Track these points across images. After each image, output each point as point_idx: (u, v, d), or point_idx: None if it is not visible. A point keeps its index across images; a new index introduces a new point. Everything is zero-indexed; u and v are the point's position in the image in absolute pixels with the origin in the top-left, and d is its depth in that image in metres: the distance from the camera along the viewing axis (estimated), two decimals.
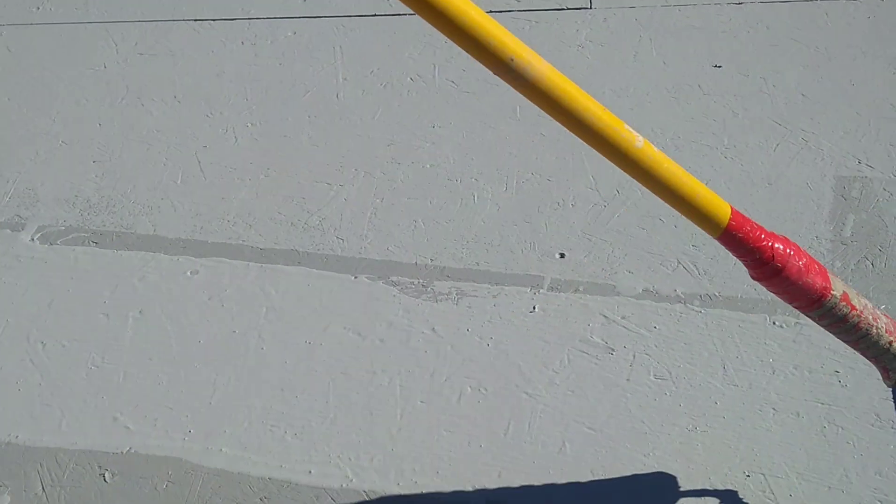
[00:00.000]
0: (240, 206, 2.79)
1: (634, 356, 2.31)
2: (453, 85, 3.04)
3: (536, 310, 2.43)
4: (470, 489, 2.13)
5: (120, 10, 3.53)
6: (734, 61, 2.96)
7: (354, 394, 2.33)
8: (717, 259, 2.46)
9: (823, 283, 1.56)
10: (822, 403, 2.17)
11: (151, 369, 2.43)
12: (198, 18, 3.46)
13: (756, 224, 1.51)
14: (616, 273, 2.48)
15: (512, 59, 1.22)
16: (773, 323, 2.32)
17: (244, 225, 2.74)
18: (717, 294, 2.39)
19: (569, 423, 2.22)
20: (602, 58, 3.04)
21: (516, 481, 2.13)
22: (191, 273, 2.64)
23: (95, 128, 3.11)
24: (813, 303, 1.58)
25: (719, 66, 2.95)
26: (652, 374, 2.27)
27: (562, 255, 2.54)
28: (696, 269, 2.45)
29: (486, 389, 2.30)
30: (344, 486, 2.17)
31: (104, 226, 2.79)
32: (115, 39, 3.43)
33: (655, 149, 1.39)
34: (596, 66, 3.02)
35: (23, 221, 2.84)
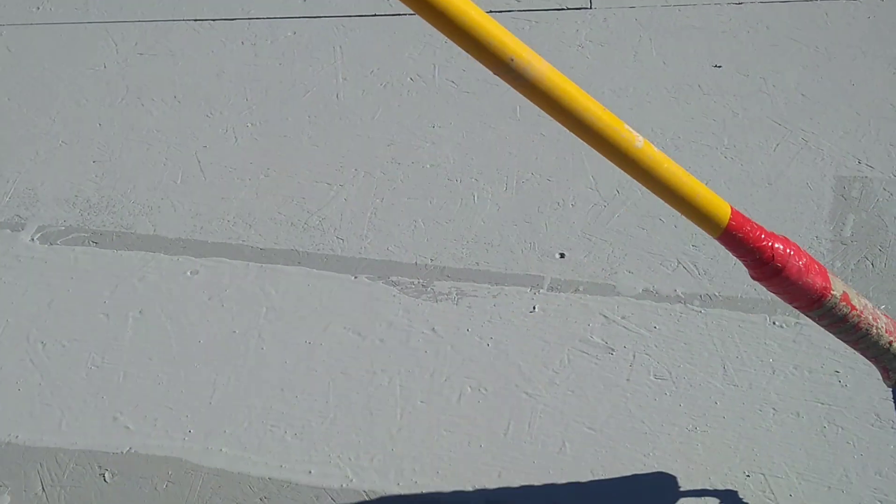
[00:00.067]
0: (240, 206, 2.79)
1: (634, 356, 2.31)
2: (453, 85, 3.04)
3: (536, 310, 2.43)
4: (470, 489, 2.13)
5: (120, 10, 3.53)
6: (734, 61, 2.96)
7: (354, 394, 2.33)
8: (717, 259, 2.46)
9: (823, 283, 1.56)
10: (822, 403, 2.17)
11: (151, 369, 2.43)
12: (198, 18, 3.46)
13: (756, 224, 1.51)
14: (616, 273, 2.48)
15: (512, 59, 1.22)
16: (773, 323, 2.32)
17: (244, 225, 2.74)
18: (717, 294, 2.39)
19: (569, 422, 2.22)
20: (602, 58, 3.04)
21: (516, 481, 2.13)
22: (191, 273, 2.64)
23: (95, 128, 3.11)
24: (813, 303, 1.58)
25: (719, 66, 2.95)
26: (652, 374, 2.27)
27: (562, 255, 2.54)
28: (696, 269, 2.45)
29: (486, 389, 2.30)
30: (344, 486, 2.17)
31: (104, 226, 2.79)
32: (115, 39, 3.43)
33: (655, 149, 1.39)
34: (596, 66, 3.02)
35: (23, 221, 2.84)
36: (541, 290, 2.47)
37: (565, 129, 1.33)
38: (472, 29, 1.19)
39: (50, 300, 2.62)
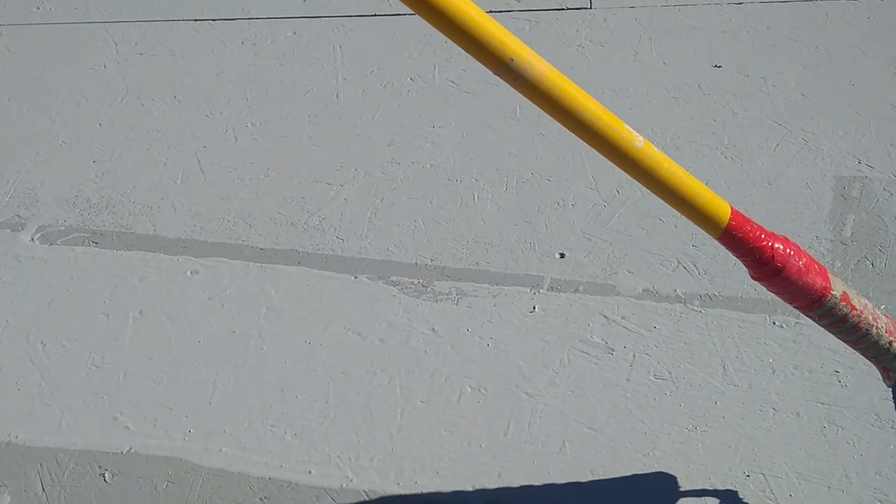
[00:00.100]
0: (240, 206, 2.79)
1: (634, 356, 2.31)
2: (453, 85, 3.04)
3: (536, 310, 2.43)
4: (470, 489, 2.13)
5: (120, 10, 3.53)
6: (734, 61, 2.96)
7: (354, 394, 2.33)
8: (717, 259, 2.46)
9: (823, 283, 1.56)
10: (822, 403, 2.17)
11: (151, 369, 2.43)
12: (198, 18, 3.46)
13: (756, 224, 1.51)
14: (616, 273, 2.48)
15: (512, 60, 1.22)
16: (773, 323, 2.32)
17: (244, 225, 2.74)
18: (717, 294, 2.39)
19: (569, 422, 2.22)
20: (602, 58, 3.04)
21: (516, 481, 2.13)
22: (191, 273, 2.64)
23: (95, 128, 3.11)
24: (813, 303, 1.58)
25: (719, 66, 2.95)
26: (652, 373, 2.27)
27: (562, 255, 2.54)
28: (696, 269, 2.45)
29: (486, 389, 2.30)
30: (344, 486, 2.17)
31: (104, 226, 2.79)
32: (114, 39, 3.43)
33: (655, 149, 1.39)
34: (596, 66, 3.02)
35: (23, 221, 2.84)
36: (541, 290, 2.47)
37: (565, 129, 1.33)
38: (471, 29, 1.19)
39: (50, 300, 2.62)
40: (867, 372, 2.20)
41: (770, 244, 1.51)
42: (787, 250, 1.52)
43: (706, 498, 2.07)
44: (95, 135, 3.08)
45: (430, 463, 2.19)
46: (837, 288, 1.58)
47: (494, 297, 2.48)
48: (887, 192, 2.54)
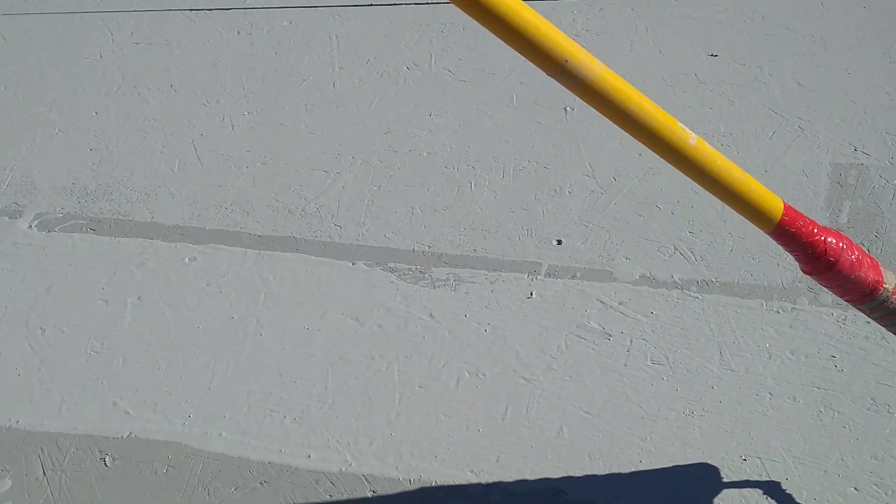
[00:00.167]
0: (237, 193, 2.80)
1: (631, 341, 2.32)
2: (449, 74, 3.05)
3: (534, 296, 2.44)
4: (468, 473, 2.14)
5: None
6: (730, 50, 2.97)
7: (353, 379, 2.33)
8: (713, 245, 2.47)
9: (876, 277, 1.55)
10: (819, 388, 2.19)
11: (150, 355, 2.44)
12: (193, 8, 3.46)
13: (808, 218, 1.50)
14: (613, 259, 2.49)
15: (567, 61, 1.22)
16: (770, 308, 2.33)
17: (241, 212, 2.74)
18: (713, 280, 2.41)
19: (566, 407, 2.23)
20: (598, 47, 3.05)
21: (514, 465, 2.14)
22: (189, 260, 2.64)
23: (92, 116, 3.11)
24: (865, 297, 1.57)
25: (715, 56, 2.96)
26: (649, 359, 2.28)
27: (559, 242, 2.55)
28: (693, 255, 2.46)
29: (483, 375, 2.31)
30: (343, 470, 2.18)
31: (102, 213, 2.79)
32: (110, 29, 3.43)
33: (708, 145, 1.38)
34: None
35: (20, 209, 2.84)
36: (538, 277, 2.48)
37: (619, 127, 1.33)
38: (526, 31, 1.18)
39: (48, 286, 2.62)
40: (863, 357, 2.22)
41: (823, 238, 1.50)
42: (840, 244, 1.51)
43: (702, 481, 2.08)
44: (92, 123, 3.09)
45: (428, 447, 2.20)
46: (890, 281, 1.57)
47: (492, 283, 2.48)
48: (883, 179, 2.55)
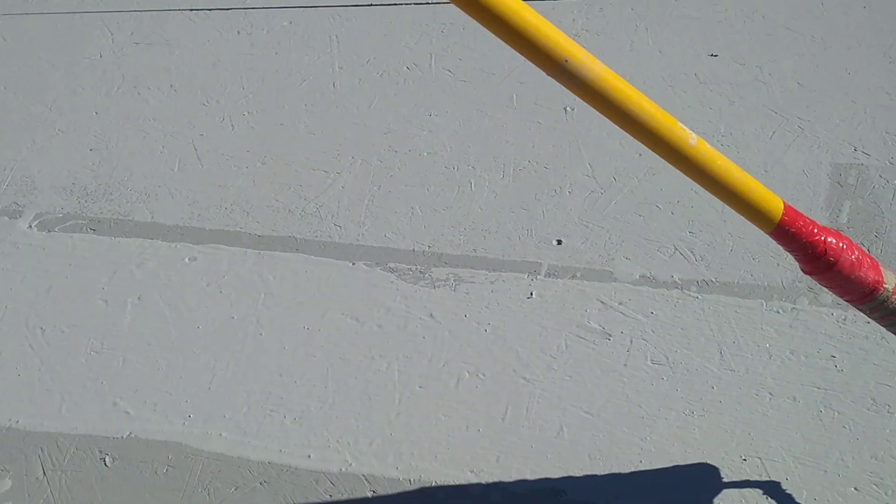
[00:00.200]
0: (237, 193, 2.80)
1: (631, 341, 2.32)
2: (449, 74, 3.05)
3: (534, 296, 2.44)
4: (468, 473, 2.14)
5: None
6: (730, 50, 2.97)
7: (353, 379, 2.33)
8: (713, 245, 2.47)
9: (876, 277, 1.55)
10: (819, 388, 2.19)
11: (150, 355, 2.44)
12: (193, 8, 3.46)
13: (808, 219, 1.50)
14: (613, 259, 2.49)
15: (567, 61, 1.22)
16: (770, 308, 2.33)
17: (241, 212, 2.74)
18: (713, 280, 2.41)
19: (566, 407, 2.23)
20: (598, 47, 3.05)
21: (514, 466, 2.14)
22: (189, 260, 2.64)
23: (92, 116, 3.11)
24: (865, 297, 1.57)
25: (715, 56, 2.96)
26: (649, 359, 2.28)
27: (559, 242, 2.55)
28: (693, 255, 2.46)
29: (483, 375, 2.31)
30: (343, 470, 2.18)
31: (102, 213, 2.79)
32: (110, 29, 3.43)
33: (708, 145, 1.38)
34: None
35: (20, 209, 2.84)
36: (538, 277, 2.48)
37: (621, 127, 1.32)
38: (526, 31, 1.18)
39: (48, 286, 2.62)
40: (863, 357, 2.22)
41: (823, 238, 1.50)
42: (840, 244, 1.51)
43: (702, 481, 2.08)
44: (92, 123, 3.09)
45: (428, 448, 2.20)
46: (890, 281, 1.57)
47: (492, 283, 2.48)
48: (883, 179, 2.55)
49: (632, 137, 1.36)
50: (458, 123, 2.90)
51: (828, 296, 2.33)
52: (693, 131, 1.37)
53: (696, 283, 2.41)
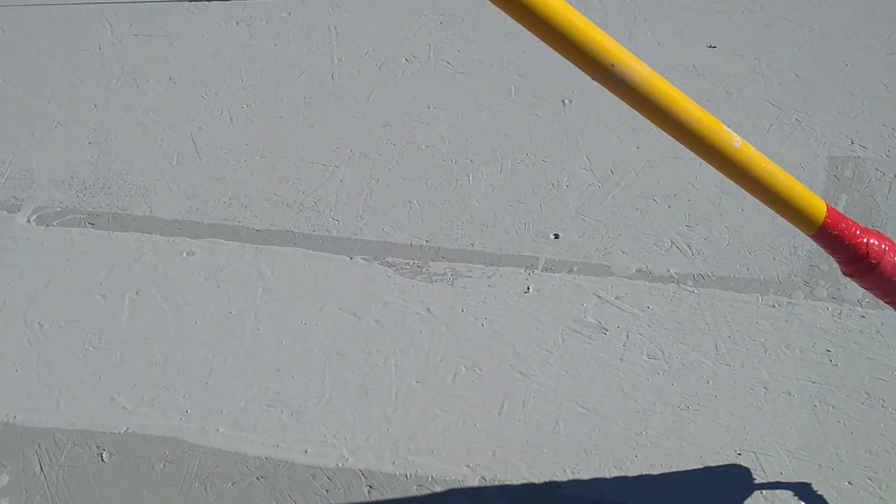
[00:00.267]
0: (235, 187, 2.80)
1: (628, 336, 2.33)
2: (448, 66, 3.05)
3: (531, 290, 2.45)
4: (465, 468, 2.15)
5: None
6: (728, 42, 2.97)
7: (350, 374, 2.34)
8: (710, 239, 2.47)
9: None
10: (814, 382, 2.19)
11: (148, 350, 2.44)
12: None
13: (851, 220, 1.49)
14: (610, 253, 2.50)
15: (613, 65, 1.20)
16: (766, 303, 2.34)
17: (240, 206, 2.75)
18: (709, 274, 2.41)
19: (562, 402, 2.23)
20: None
21: (510, 460, 2.15)
22: (187, 254, 2.65)
23: (91, 109, 3.11)
24: None
25: (714, 47, 2.96)
26: (645, 353, 2.29)
27: (556, 236, 2.55)
28: (690, 249, 2.47)
29: (480, 369, 2.31)
30: (340, 465, 2.19)
31: (100, 207, 2.80)
32: (109, 20, 3.43)
33: (752, 148, 1.36)
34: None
35: (19, 203, 2.85)
36: (535, 271, 2.49)
37: (660, 129, 1.31)
38: (571, 33, 1.16)
39: (47, 281, 2.63)
40: (858, 351, 2.22)
41: (865, 241, 1.49)
42: (882, 246, 1.51)
43: (697, 476, 2.09)
44: (91, 116, 3.09)
45: (425, 442, 2.21)
46: None
47: (489, 277, 2.49)
48: (880, 171, 2.55)
49: (679, 142, 1.33)
50: (457, 116, 2.90)
51: (823, 290, 2.34)
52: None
53: (692, 277, 2.41)
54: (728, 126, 1.34)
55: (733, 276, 2.40)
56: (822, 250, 1.58)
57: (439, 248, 2.57)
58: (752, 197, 1.43)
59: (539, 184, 2.68)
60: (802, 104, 2.75)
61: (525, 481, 2.12)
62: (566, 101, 2.85)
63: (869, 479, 2.04)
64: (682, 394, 2.21)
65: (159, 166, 2.89)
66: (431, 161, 2.79)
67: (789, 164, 2.59)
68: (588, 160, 2.70)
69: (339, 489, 2.15)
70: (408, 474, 2.16)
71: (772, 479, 2.06)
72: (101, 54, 3.30)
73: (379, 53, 3.14)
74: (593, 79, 1.23)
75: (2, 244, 2.73)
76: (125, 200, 2.80)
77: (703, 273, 2.41)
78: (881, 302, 1.83)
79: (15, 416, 2.34)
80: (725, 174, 1.38)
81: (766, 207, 1.44)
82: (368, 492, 2.14)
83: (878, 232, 1.53)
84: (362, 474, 2.16)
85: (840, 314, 2.29)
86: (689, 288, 2.39)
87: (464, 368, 2.32)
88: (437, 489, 2.13)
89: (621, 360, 2.29)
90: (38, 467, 2.24)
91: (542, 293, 2.44)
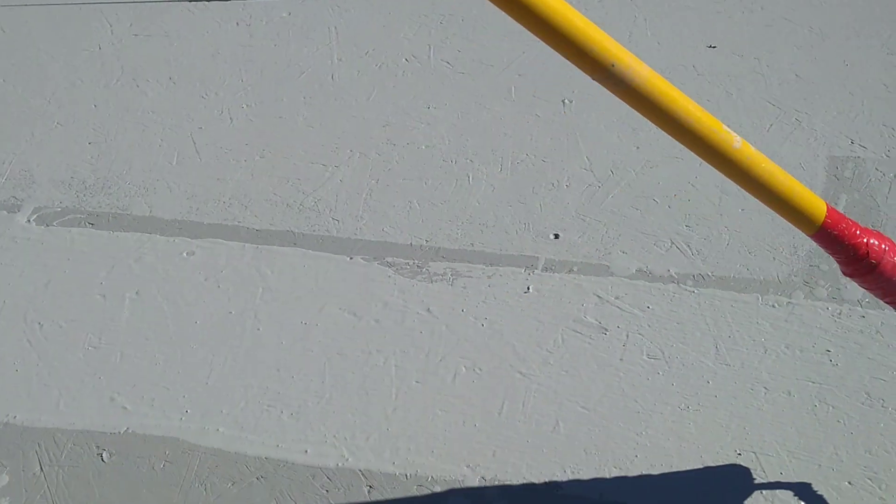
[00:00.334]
0: (235, 187, 2.80)
1: (628, 336, 2.33)
2: (448, 66, 3.05)
3: (531, 290, 2.45)
4: (465, 468, 2.15)
5: None
6: (728, 42, 2.97)
7: (350, 374, 2.34)
8: (710, 239, 2.47)
9: None
10: (813, 382, 2.19)
11: (148, 350, 2.44)
12: None
13: (851, 220, 1.49)
14: (610, 253, 2.50)
15: (613, 65, 1.20)
16: (766, 303, 2.34)
17: (240, 206, 2.75)
18: (709, 274, 2.41)
19: (562, 402, 2.23)
20: None
21: (510, 460, 2.15)
22: (187, 254, 2.65)
23: (91, 109, 3.11)
24: None
25: (714, 47, 2.96)
26: (645, 353, 2.29)
27: (556, 236, 2.55)
28: (690, 249, 2.47)
29: (480, 369, 2.31)
30: (340, 465, 2.19)
31: (100, 207, 2.80)
32: (109, 20, 3.43)
33: (752, 148, 1.36)
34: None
35: (19, 203, 2.85)
36: (535, 271, 2.49)
37: (661, 130, 1.31)
38: (570, 33, 1.16)
39: (47, 281, 2.63)
40: (858, 351, 2.22)
41: (865, 241, 1.49)
42: (882, 246, 1.51)
43: (697, 476, 2.09)
44: (91, 116, 3.09)
45: (425, 442, 2.21)
46: None
47: (489, 277, 2.49)
48: (880, 172, 2.55)
49: (679, 142, 1.33)
50: (457, 116, 2.90)
51: (823, 290, 2.34)
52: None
53: (692, 277, 2.41)
54: (728, 126, 1.34)
55: (733, 276, 2.40)
56: (822, 250, 1.58)
57: (439, 248, 2.57)
58: (752, 197, 1.43)
59: (539, 184, 2.68)
60: (802, 104, 2.75)
61: (525, 481, 2.12)
62: (566, 101, 2.85)
63: (869, 479, 2.04)
64: (682, 394, 2.21)
65: (159, 166, 2.89)
66: (431, 161, 2.79)
67: (789, 164, 2.59)
68: (588, 160, 2.70)
69: (339, 489, 2.15)
70: (408, 474, 2.16)
71: (772, 479, 2.06)
72: (101, 54, 3.30)
73: (379, 53, 3.14)
74: (593, 79, 1.22)
75: (2, 244, 2.73)
76: (125, 200, 2.80)
77: (703, 273, 2.41)
78: (881, 302, 1.83)
79: (15, 416, 2.34)
80: (725, 174, 1.38)
81: (766, 207, 1.44)
82: (368, 492, 2.14)
83: (878, 232, 1.53)
84: (362, 474, 2.17)
85: (840, 314, 2.30)
86: (689, 288, 2.39)
87: (464, 368, 2.32)
88: (437, 489, 2.13)
89: (621, 360, 2.29)
90: (38, 467, 2.24)
91: (542, 293, 2.44)
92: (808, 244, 2.41)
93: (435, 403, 2.27)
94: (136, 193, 2.82)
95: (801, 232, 1.49)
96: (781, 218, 1.48)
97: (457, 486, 2.13)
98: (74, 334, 2.49)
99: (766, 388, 2.19)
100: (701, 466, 2.10)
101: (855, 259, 1.50)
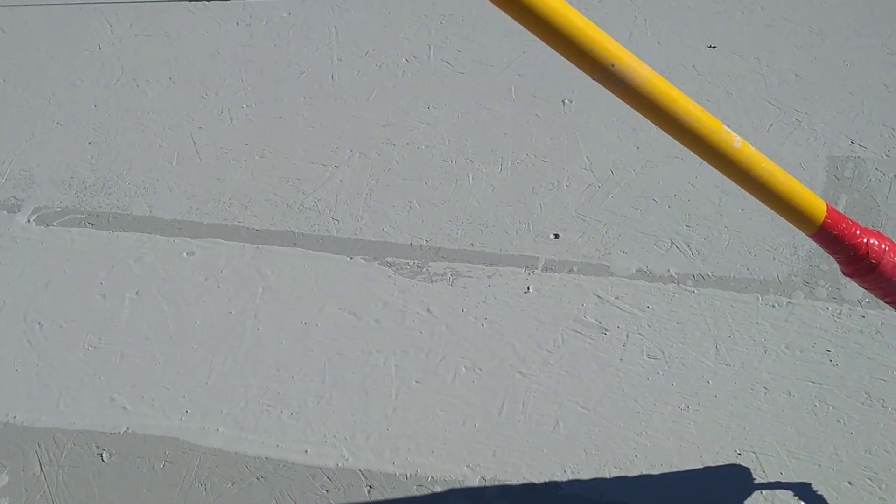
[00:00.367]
0: (235, 187, 2.80)
1: (628, 336, 2.33)
2: (448, 66, 3.05)
3: (531, 290, 2.45)
4: (465, 468, 2.15)
5: None
6: (728, 42, 2.97)
7: (350, 374, 2.34)
8: (710, 239, 2.47)
9: None
10: (813, 382, 2.19)
11: (148, 350, 2.44)
12: None
13: (851, 220, 1.49)
14: (610, 253, 2.50)
15: (613, 65, 1.19)
16: (766, 303, 2.34)
17: (240, 206, 2.75)
18: (709, 274, 2.41)
19: (562, 402, 2.23)
20: None
21: (510, 460, 2.15)
22: (187, 254, 2.65)
23: (91, 109, 3.11)
24: None
25: (714, 47, 2.96)
26: (645, 353, 2.29)
27: (556, 236, 2.55)
28: (690, 249, 2.47)
29: (480, 369, 2.31)
30: (340, 465, 2.19)
31: (100, 207, 2.80)
32: (109, 20, 3.43)
33: (752, 148, 1.36)
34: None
35: (19, 203, 2.85)
36: (535, 271, 2.49)
37: (660, 129, 1.31)
38: (570, 33, 1.16)
39: (47, 281, 2.63)
40: (858, 351, 2.22)
41: (865, 240, 1.49)
42: (882, 246, 1.51)
43: (698, 476, 2.09)
44: (91, 116, 3.09)
45: (425, 442, 2.21)
46: None
47: (489, 277, 2.49)
48: (880, 171, 2.55)
49: (679, 142, 1.33)
50: (457, 116, 2.90)
51: (823, 290, 2.34)
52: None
53: (692, 277, 2.41)
54: (728, 126, 1.34)
55: (733, 276, 2.40)
56: (822, 250, 1.58)
57: (439, 248, 2.57)
58: (752, 197, 1.43)
59: (539, 184, 2.68)
60: (802, 104, 2.75)
61: (525, 481, 2.12)
62: (566, 101, 2.85)
63: (869, 479, 2.04)
64: (682, 394, 2.21)
65: (159, 166, 2.89)
66: (431, 161, 2.79)
67: (789, 164, 2.59)
68: (588, 160, 2.70)
69: (339, 489, 2.15)
70: (408, 474, 2.16)
71: (772, 479, 2.06)
72: (101, 54, 3.30)
73: (379, 53, 3.14)
74: (593, 79, 1.22)
75: (2, 244, 2.73)
76: (125, 200, 2.80)
77: (703, 273, 2.41)
78: (881, 302, 1.83)
79: (15, 416, 2.34)
80: (725, 174, 1.38)
81: (766, 207, 1.44)
82: (368, 492, 2.14)
83: (878, 232, 1.53)
84: (362, 474, 2.17)
85: (840, 314, 2.30)
86: (689, 288, 2.39)
87: (464, 368, 2.32)
88: (437, 489, 2.13)
89: (621, 360, 2.29)
90: (38, 467, 2.24)
91: (542, 293, 2.44)
92: (808, 244, 2.41)
93: (435, 403, 2.27)
94: (136, 193, 2.82)
95: (801, 232, 1.49)
96: (781, 218, 1.48)
97: (457, 486, 2.13)
98: (74, 334, 2.49)
99: (766, 388, 2.19)
100: (701, 466, 2.10)
101: (855, 259, 1.50)
